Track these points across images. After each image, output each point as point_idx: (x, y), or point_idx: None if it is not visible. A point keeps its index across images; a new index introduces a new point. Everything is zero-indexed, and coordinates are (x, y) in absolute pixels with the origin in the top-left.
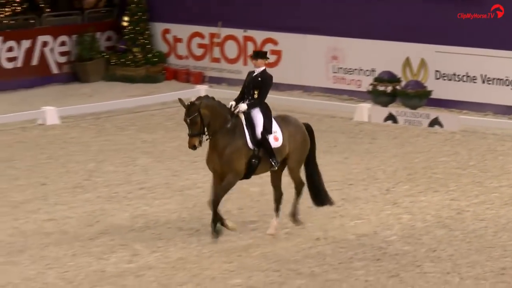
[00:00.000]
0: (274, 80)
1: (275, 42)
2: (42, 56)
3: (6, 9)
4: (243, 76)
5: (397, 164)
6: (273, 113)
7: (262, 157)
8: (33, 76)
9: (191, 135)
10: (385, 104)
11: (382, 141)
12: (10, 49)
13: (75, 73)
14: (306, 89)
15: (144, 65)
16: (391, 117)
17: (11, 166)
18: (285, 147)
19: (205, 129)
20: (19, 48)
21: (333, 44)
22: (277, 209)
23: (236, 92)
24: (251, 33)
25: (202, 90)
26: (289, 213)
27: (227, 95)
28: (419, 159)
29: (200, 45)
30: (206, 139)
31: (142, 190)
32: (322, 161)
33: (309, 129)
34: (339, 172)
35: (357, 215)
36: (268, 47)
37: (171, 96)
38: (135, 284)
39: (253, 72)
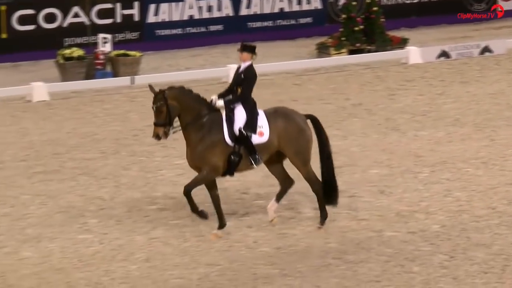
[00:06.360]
0: None
1: None
2: None
3: None
4: None
5: None
6: (266, 107)
7: (243, 154)
8: None
9: (155, 124)
10: None
11: None
12: None
13: None
14: None
15: None
16: None
17: None
18: (272, 142)
19: (173, 121)
20: None
21: None
22: (279, 197)
23: None
24: None
25: None
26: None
27: None
28: None
29: None
30: (174, 132)
31: None
32: None
33: (313, 120)
34: None
35: None
36: None
37: None
38: None
39: (240, 67)
